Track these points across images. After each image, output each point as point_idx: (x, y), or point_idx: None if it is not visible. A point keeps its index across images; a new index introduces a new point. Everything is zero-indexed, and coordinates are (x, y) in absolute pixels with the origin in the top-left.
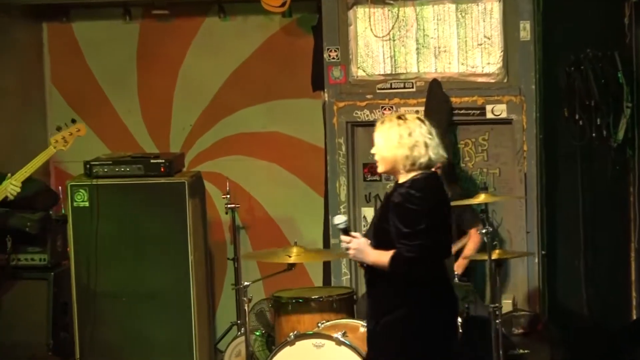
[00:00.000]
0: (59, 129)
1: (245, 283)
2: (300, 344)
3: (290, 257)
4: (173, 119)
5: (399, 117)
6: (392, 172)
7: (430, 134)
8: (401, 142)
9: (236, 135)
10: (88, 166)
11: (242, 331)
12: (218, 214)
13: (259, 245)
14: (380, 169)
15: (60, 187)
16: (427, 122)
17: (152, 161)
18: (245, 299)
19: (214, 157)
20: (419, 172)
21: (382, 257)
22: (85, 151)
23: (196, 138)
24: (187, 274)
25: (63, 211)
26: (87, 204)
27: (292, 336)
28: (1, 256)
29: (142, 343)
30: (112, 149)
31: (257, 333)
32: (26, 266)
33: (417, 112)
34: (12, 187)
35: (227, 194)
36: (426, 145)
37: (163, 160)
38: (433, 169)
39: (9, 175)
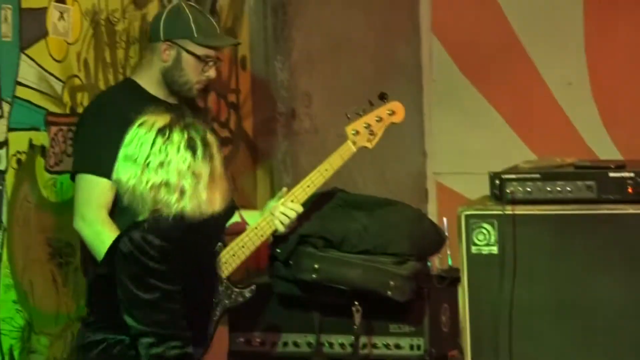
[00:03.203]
0: (362, 112)
1: None
2: None
3: None
4: None
5: (162, 128)
6: None
7: (195, 173)
8: (145, 171)
9: None
10: (497, 182)
11: None
12: None
13: None
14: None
15: (444, 219)
16: (202, 147)
17: (611, 174)
18: None
19: None
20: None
21: None
22: (489, 153)
23: None
24: None
25: (450, 262)
26: (494, 249)
27: None
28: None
29: None
30: (540, 152)
31: None
32: (386, 357)
33: None
34: (285, 211)
35: None
36: (182, 191)
37: (633, 174)
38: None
39: (283, 190)
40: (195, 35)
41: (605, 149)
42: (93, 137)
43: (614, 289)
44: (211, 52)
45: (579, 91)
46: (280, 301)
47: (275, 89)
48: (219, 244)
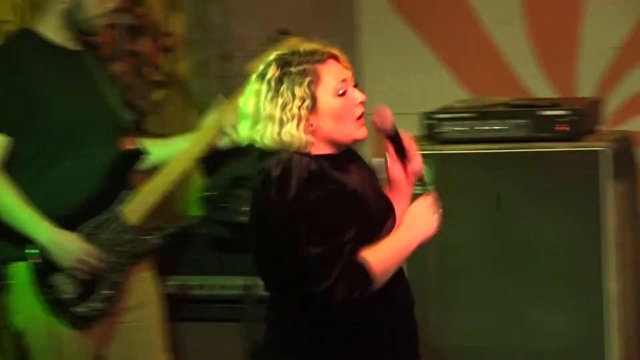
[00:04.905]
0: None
1: None
2: None
3: None
4: (585, 37)
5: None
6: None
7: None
8: None
9: None
10: (430, 121)
11: None
12: None
13: None
14: None
15: (381, 159)
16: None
17: (542, 113)
18: None
19: None
20: None
21: None
22: (423, 94)
23: (623, 71)
24: (600, 321)
25: None
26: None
27: None
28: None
29: None
30: (476, 92)
31: None
32: None
33: None
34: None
35: None
36: None
37: (563, 112)
38: None
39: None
40: None
41: (541, 88)
42: None
43: (551, 225)
44: None
45: (515, 30)
46: (211, 244)
47: (210, 31)
48: (124, 191)
